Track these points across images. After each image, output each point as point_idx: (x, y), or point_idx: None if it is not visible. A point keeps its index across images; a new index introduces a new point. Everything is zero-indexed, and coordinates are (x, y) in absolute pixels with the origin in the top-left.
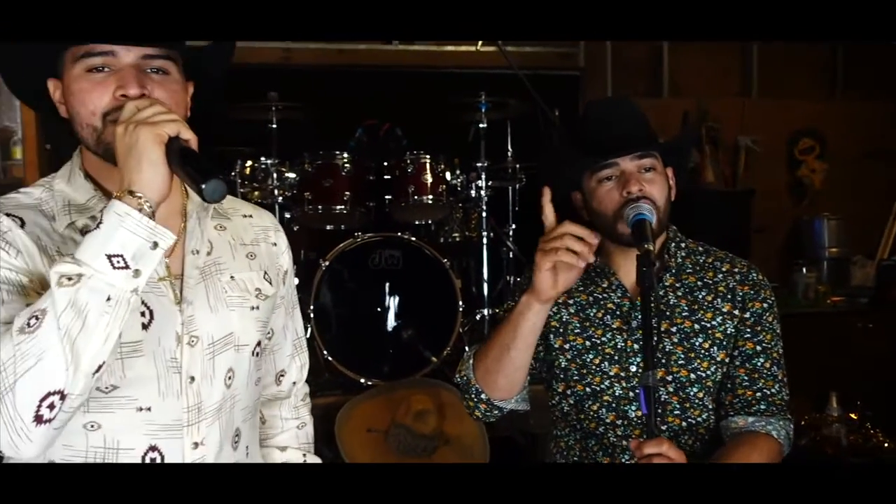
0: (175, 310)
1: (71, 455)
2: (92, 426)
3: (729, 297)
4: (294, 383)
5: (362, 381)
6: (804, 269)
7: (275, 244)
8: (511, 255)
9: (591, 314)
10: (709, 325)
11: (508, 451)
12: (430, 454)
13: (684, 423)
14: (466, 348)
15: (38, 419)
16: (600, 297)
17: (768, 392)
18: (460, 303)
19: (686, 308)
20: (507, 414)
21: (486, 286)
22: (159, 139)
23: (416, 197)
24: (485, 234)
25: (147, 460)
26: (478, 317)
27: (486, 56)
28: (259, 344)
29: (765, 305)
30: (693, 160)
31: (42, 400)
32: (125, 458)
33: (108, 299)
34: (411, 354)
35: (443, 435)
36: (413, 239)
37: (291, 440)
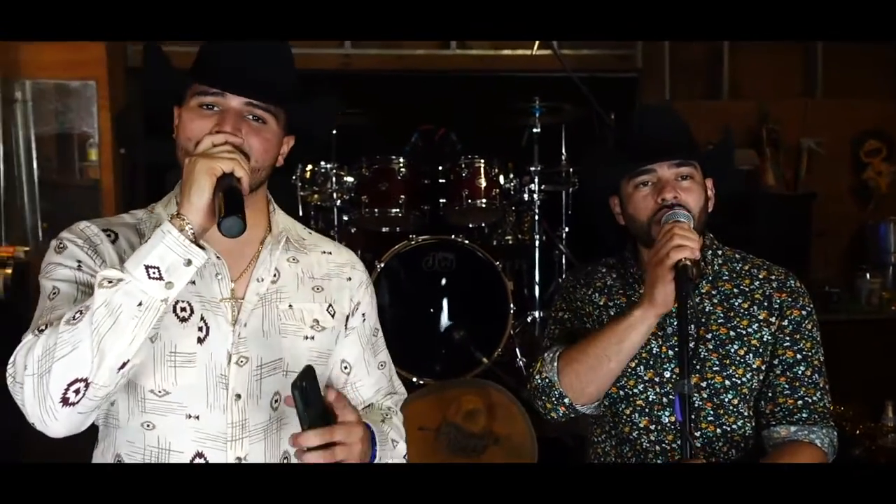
0: (229, 330)
1: (132, 451)
2: (148, 426)
3: (765, 304)
4: (390, 408)
5: (414, 380)
6: (868, 275)
7: (349, 279)
8: (563, 259)
9: (621, 315)
10: (744, 332)
11: (557, 451)
12: (479, 453)
13: (718, 430)
14: (517, 350)
15: (65, 401)
16: (637, 301)
17: (810, 400)
18: (512, 305)
19: (722, 315)
20: None
21: (537, 289)
22: (212, 172)
23: (469, 200)
24: (537, 237)
25: None
26: (529, 319)
27: (542, 59)
28: None
29: (803, 313)
30: (753, 163)
31: (70, 385)
32: (176, 460)
33: (140, 304)
34: (463, 355)
35: (492, 434)
36: (466, 241)
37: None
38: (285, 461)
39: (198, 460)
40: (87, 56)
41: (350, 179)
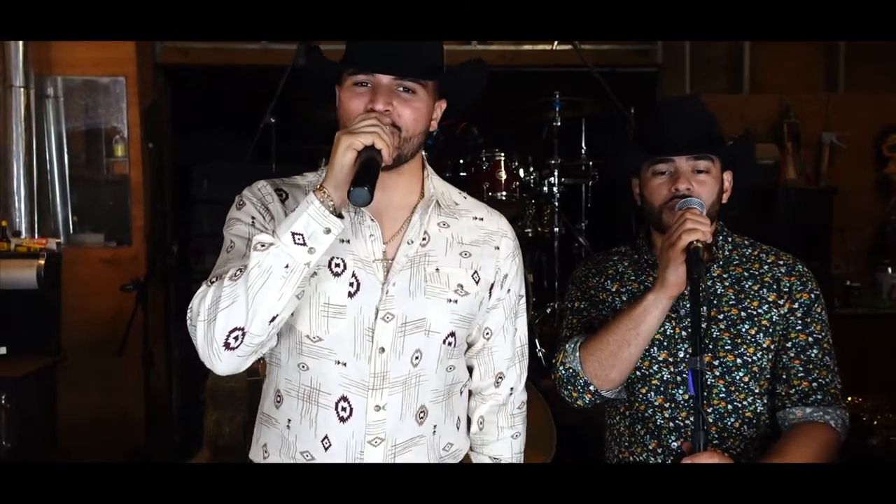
0: (379, 287)
1: (289, 388)
2: (303, 366)
3: (774, 286)
4: (512, 389)
5: None
6: (889, 270)
7: (497, 247)
8: (582, 251)
9: (636, 300)
10: (755, 312)
11: (576, 441)
12: None
13: (730, 406)
14: (536, 341)
15: (227, 346)
16: (650, 286)
17: (823, 382)
18: (532, 296)
19: (733, 297)
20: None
21: (557, 281)
22: (352, 146)
23: (490, 193)
24: (557, 229)
25: (339, 409)
26: (548, 311)
27: (563, 55)
28: (453, 335)
29: (812, 297)
30: (774, 157)
31: (230, 332)
32: (324, 400)
33: (287, 266)
34: None
35: None
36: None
37: (505, 451)
38: (421, 415)
39: (342, 403)
40: (116, 53)
41: None
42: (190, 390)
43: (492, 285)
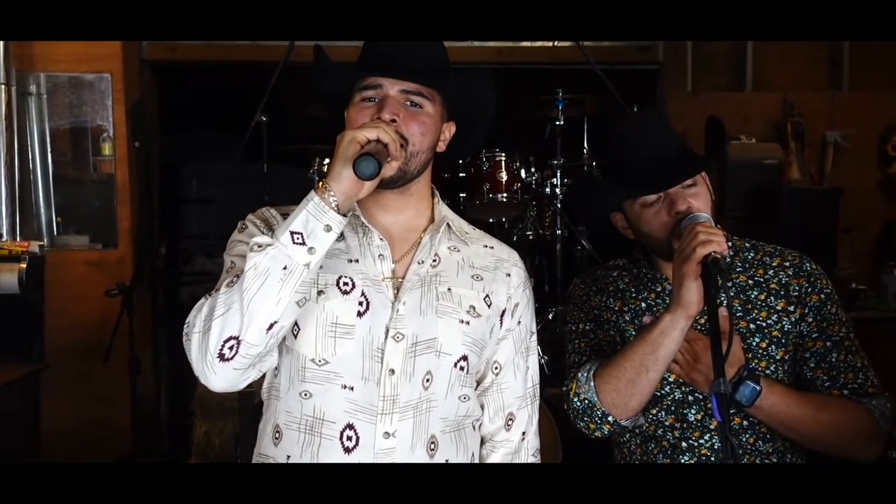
0: (389, 306)
1: (289, 420)
2: (305, 395)
3: (783, 293)
4: (524, 434)
5: None
6: (895, 271)
7: (508, 275)
8: (585, 254)
9: (652, 322)
10: (764, 324)
11: (581, 452)
12: None
13: (745, 423)
14: (539, 347)
15: (221, 356)
16: (653, 303)
17: (854, 385)
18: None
19: (740, 308)
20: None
21: (558, 285)
22: (356, 140)
23: (490, 195)
24: (559, 232)
25: (344, 438)
26: (550, 315)
27: (564, 51)
28: (465, 359)
29: (822, 296)
30: (778, 157)
31: (225, 342)
32: (328, 431)
33: (285, 268)
34: None
35: None
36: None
37: None
38: (431, 446)
39: (348, 432)
40: (101, 49)
41: None
42: (179, 397)
43: (503, 312)
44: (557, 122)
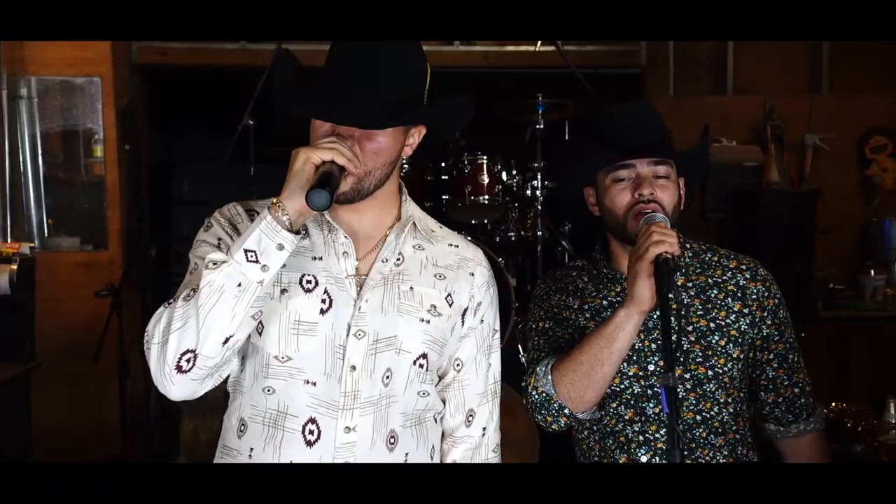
0: (351, 303)
1: (254, 414)
2: (269, 390)
3: (739, 295)
4: (484, 430)
5: None
6: (872, 272)
7: (472, 274)
8: (566, 255)
9: (607, 318)
10: (723, 323)
11: (559, 448)
12: None
13: (699, 417)
14: (519, 347)
15: (179, 368)
16: (614, 300)
17: (803, 384)
18: (514, 301)
19: (700, 307)
20: None
21: None
22: (310, 160)
23: (472, 197)
24: (540, 233)
25: (306, 432)
26: None
27: (546, 56)
28: (425, 357)
29: (776, 300)
30: (757, 159)
31: (182, 355)
32: (290, 424)
33: (239, 285)
34: None
35: None
36: (469, 238)
37: None
38: (391, 440)
39: (309, 426)
40: (91, 53)
41: None
42: (167, 397)
43: (465, 311)
44: (538, 127)
